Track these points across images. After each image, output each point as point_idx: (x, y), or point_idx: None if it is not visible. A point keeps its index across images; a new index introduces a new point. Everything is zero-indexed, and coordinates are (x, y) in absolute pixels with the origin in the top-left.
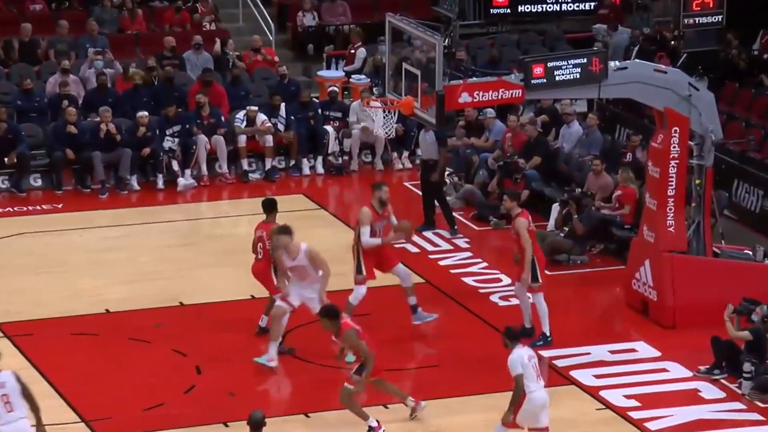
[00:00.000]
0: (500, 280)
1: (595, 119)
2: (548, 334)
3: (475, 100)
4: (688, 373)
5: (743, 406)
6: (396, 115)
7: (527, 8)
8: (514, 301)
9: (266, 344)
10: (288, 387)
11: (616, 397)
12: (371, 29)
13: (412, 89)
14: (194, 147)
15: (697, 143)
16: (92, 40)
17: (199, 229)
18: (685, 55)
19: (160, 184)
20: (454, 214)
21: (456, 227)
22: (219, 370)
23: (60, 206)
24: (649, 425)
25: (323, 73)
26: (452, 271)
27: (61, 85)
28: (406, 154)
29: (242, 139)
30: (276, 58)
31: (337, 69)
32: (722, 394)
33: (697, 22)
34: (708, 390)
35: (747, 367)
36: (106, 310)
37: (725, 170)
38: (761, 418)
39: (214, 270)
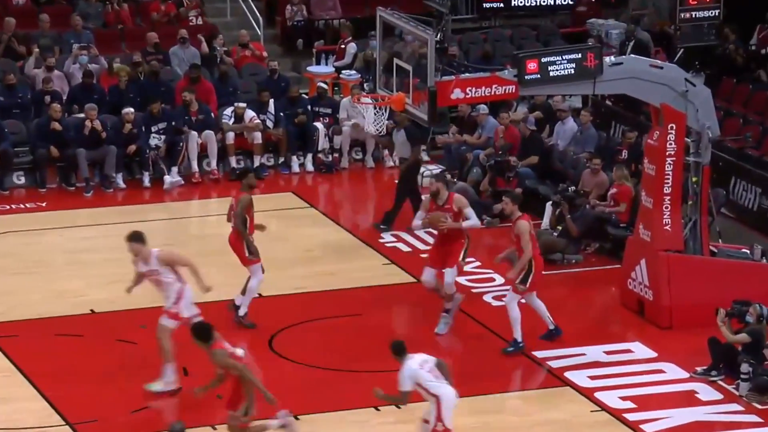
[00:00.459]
0: (493, 280)
1: (588, 116)
2: (519, 340)
3: (467, 96)
4: (685, 375)
5: (741, 408)
6: (387, 111)
7: (521, 2)
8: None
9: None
10: (276, 389)
11: (611, 399)
12: (362, 24)
13: (404, 85)
14: (181, 144)
15: (694, 140)
16: (77, 35)
17: (186, 228)
18: (681, 50)
19: (147, 182)
20: None
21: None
22: (206, 372)
23: (44, 205)
24: (645, 427)
25: (313, 68)
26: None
27: (44, 81)
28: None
29: (230, 137)
30: (264, 54)
31: (327, 64)
32: (719, 396)
33: (693, 16)
34: (705, 391)
35: (744, 368)
36: (91, 310)
37: (722, 167)
38: (759, 420)
39: (200, 270)
